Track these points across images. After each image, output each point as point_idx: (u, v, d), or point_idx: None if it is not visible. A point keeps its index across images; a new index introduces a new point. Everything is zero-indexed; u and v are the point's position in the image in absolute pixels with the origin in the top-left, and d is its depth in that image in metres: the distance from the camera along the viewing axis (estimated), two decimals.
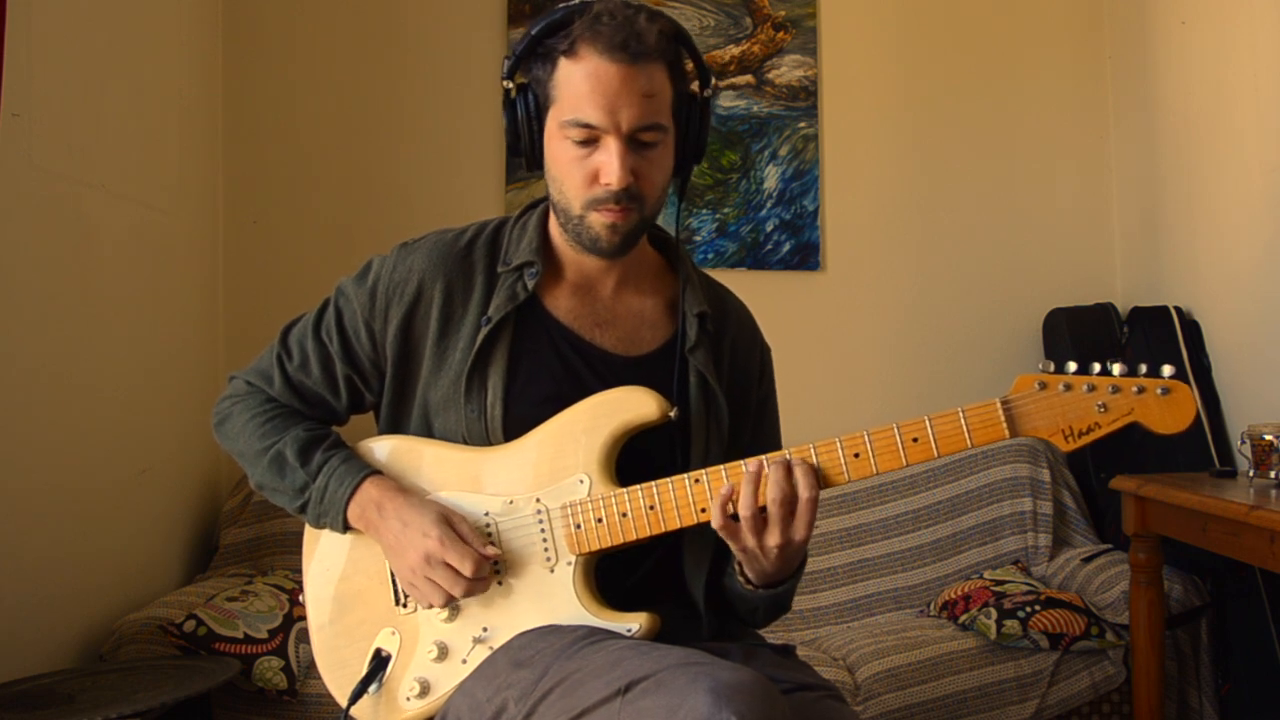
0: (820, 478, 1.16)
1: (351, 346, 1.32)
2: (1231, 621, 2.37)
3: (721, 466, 1.19)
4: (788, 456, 1.16)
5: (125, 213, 2.35)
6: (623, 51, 1.17)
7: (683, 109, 1.26)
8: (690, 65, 1.27)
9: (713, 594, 1.32)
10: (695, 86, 1.29)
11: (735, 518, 1.15)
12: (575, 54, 1.19)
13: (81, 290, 2.18)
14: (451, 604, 1.23)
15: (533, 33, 1.22)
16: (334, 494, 1.27)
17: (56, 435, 2.09)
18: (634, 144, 1.20)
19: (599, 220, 1.23)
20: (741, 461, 1.18)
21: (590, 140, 1.20)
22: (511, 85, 1.26)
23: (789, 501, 1.14)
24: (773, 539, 1.15)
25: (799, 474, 1.15)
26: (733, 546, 1.19)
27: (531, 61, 1.24)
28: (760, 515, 1.15)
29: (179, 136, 2.63)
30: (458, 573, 1.19)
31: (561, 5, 1.22)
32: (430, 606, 1.24)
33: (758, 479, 1.15)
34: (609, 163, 1.19)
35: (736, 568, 1.24)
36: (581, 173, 1.21)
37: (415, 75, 2.99)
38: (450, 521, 1.22)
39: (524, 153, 1.27)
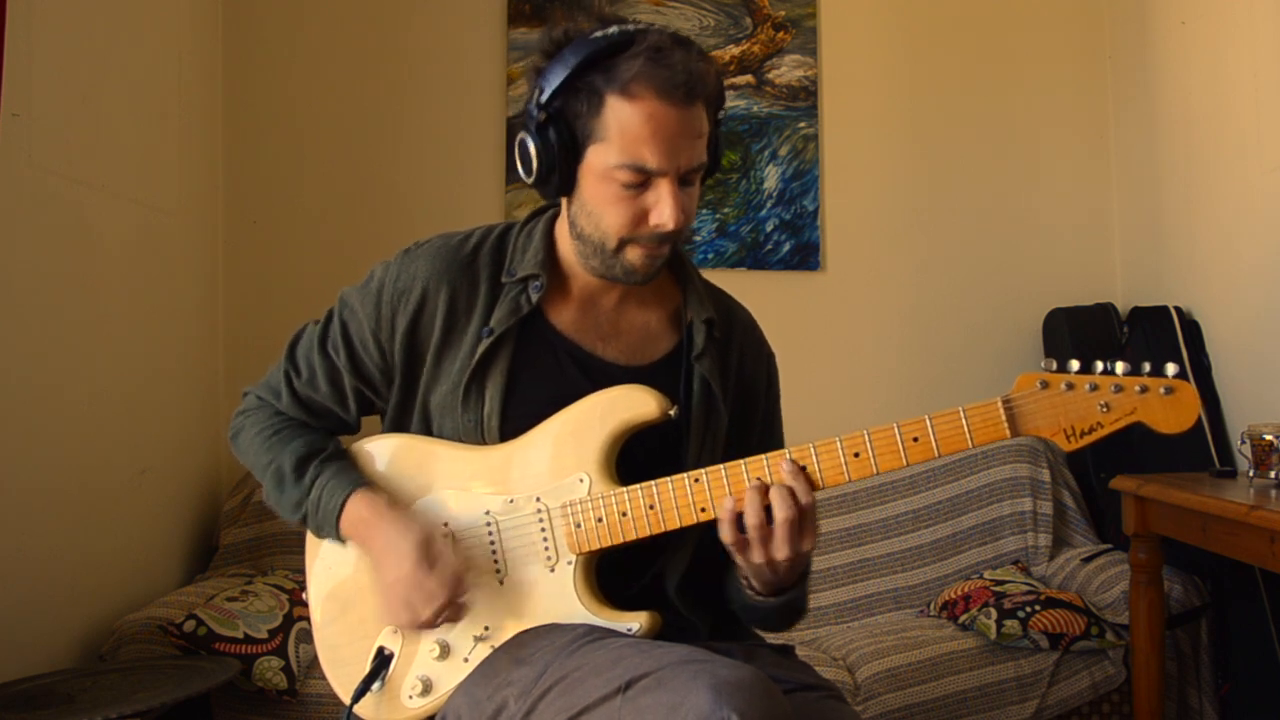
0: (810, 479, 1.16)
1: (359, 359, 1.31)
2: (1231, 621, 2.36)
3: (721, 466, 1.19)
4: (787, 468, 1.15)
5: (125, 213, 2.35)
6: (685, 94, 1.13)
7: (713, 139, 1.25)
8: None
9: (692, 597, 1.30)
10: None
11: (743, 529, 1.15)
12: (630, 94, 1.13)
13: (81, 290, 2.18)
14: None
15: (572, 65, 1.15)
16: (326, 509, 1.27)
17: (57, 435, 2.09)
18: (681, 183, 1.19)
19: (638, 255, 1.21)
20: (741, 462, 1.18)
21: (643, 182, 1.17)
22: (544, 115, 1.18)
23: (795, 520, 1.13)
24: (781, 553, 1.14)
25: (799, 487, 1.14)
26: (740, 560, 1.18)
27: (566, 94, 1.17)
28: (767, 527, 1.14)
29: (179, 136, 2.63)
30: (418, 611, 1.19)
31: (597, 33, 1.16)
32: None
33: (761, 491, 1.14)
34: (664, 206, 1.17)
35: (744, 581, 1.23)
36: (630, 211, 1.18)
37: (415, 74, 2.99)
38: (430, 548, 1.20)
39: (550, 183, 1.22)
